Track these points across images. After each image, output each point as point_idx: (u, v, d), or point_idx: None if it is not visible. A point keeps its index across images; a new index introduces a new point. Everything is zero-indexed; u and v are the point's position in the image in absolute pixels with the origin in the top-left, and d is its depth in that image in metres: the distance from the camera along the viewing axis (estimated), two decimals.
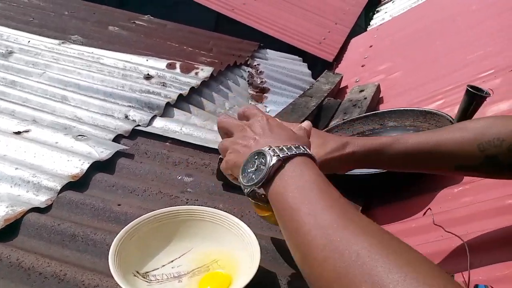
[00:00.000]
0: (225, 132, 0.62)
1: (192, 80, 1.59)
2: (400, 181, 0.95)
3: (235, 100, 1.76)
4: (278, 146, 0.51)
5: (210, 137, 1.24)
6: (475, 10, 2.27)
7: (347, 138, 0.70)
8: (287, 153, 0.50)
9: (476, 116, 0.99)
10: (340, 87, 2.09)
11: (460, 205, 0.81)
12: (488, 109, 1.14)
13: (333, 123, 1.47)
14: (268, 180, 0.50)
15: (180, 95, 1.45)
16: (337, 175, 0.71)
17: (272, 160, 0.49)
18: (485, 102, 1.00)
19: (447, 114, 1.05)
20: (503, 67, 1.38)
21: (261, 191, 0.53)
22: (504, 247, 0.65)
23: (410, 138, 0.67)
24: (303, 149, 0.52)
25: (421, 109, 1.15)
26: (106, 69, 1.57)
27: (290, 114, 1.52)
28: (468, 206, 0.80)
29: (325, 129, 1.26)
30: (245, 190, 0.54)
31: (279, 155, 0.49)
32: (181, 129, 1.26)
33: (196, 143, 1.18)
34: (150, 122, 1.27)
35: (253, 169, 0.52)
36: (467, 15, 2.27)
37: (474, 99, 0.93)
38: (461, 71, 1.56)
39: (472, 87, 0.94)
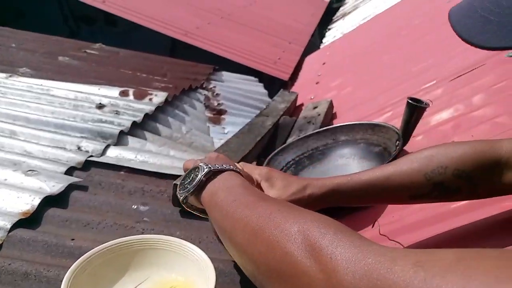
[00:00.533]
0: None
1: (146, 106, 1.59)
2: None
3: (192, 123, 1.76)
4: (212, 164, 0.60)
5: (166, 163, 1.24)
6: (417, 25, 2.39)
7: (308, 180, 0.72)
8: (218, 167, 0.59)
9: (419, 125, 1.04)
10: (296, 105, 2.13)
11: (409, 213, 0.84)
12: (431, 118, 1.20)
13: (289, 140, 1.49)
14: (200, 187, 0.58)
15: (134, 122, 1.44)
16: None
17: (204, 170, 0.58)
18: (428, 111, 1.05)
19: (393, 126, 1.09)
20: (444, 77, 1.45)
21: (197, 204, 0.61)
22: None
23: (364, 175, 0.70)
24: (233, 167, 0.61)
25: (369, 122, 1.19)
26: (57, 100, 1.54)
27: (247, 134, 1.53)
28: (416, 214, 0.83)
29: (282, 147, 1.28)
30: (181, 197, 0.61)
31: (210, 168, 0.59)
32: (136, 157, 1.25)
33: (152, 170, 1.18)
34: (103, 152, 1.25)
35: (189, 180, 0.60)
36: (410, 30, 2.39)
37: (414, 110, 0.97)
38: (407, 83, 1.64)
39: (412, 99, 0.98)
